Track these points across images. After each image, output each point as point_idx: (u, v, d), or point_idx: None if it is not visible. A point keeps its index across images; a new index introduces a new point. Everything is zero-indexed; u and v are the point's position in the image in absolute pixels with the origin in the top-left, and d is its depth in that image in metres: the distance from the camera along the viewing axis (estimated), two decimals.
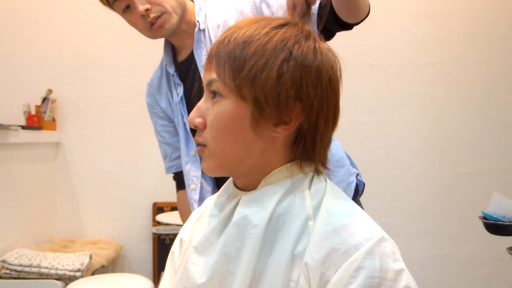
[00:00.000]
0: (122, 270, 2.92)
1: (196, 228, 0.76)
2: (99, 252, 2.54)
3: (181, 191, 1.52)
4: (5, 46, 2.88)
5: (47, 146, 2.83)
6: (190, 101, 1.35)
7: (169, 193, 2.95)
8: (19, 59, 2.88)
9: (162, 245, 2.87)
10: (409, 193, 2.92)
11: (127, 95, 2.88)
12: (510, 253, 1.64)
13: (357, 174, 1.36)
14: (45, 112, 2.77)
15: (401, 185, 2.92)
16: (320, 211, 0.66)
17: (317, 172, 0.73)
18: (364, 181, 1.39)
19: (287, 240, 0.65)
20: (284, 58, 0.66)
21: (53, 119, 2.83)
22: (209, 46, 1.28)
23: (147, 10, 1.21)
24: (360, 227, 0.63)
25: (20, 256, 2.18)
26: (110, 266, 2.76)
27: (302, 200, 0.68)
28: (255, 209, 0.67)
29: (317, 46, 0.69)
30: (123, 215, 2.91)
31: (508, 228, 1.60)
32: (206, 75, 0.71)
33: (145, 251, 2.92)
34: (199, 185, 1.38)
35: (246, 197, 0.70)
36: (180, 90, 1.35)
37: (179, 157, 1.47)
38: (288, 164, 0.70)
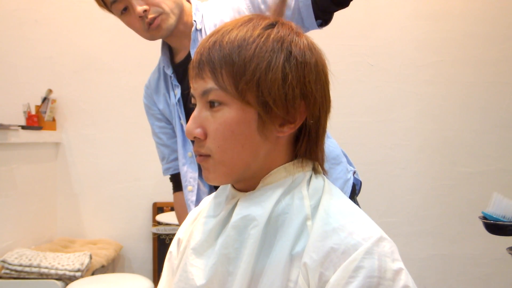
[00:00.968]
0: (122, 270, 2.92)
1: (193, 229, 0.76)
2: (99, 252, 2.54)
3: (178, 193, 1.52)
4: (5, 46, 2.88)
5: (47, 146, 2.83)
6: (188, 102, 1.35)
7: (169, 193, 2.93)
8: (19, 59, 2.88)
9: (162, 245, 2.87)
10: (409, 193, 2.92)
11: (127, 95, 2.88)
12: (510, 253, 1.64)
13: (354, 172, 1.36)
14: (45, 112, 2.77)
15: (401, 185, 2.92)
16: (318, 211, 0.66)
17: (315, 171, 0.73)
18: (360, 179, 1.40)
19: (286, 240, 0.65)
20: (285, 58, 0.65)
21: (53, 119, 2.83)
22: None
23: (145, 11, 1.21)
24: (358, 226, 0.63)
25: (20, 256, 2.18)
26: (110, 266, 2.76)
27: (301, 200, 0.68)
28: (254, 210, 0.67)
29: (309, 41, 0.70)
30: (123, 215, 2.91)
31: (508, 228, 1.60)
32: (199, 83, 0.68)
33: (145, 251, 2.92)
34: (196, 187, 1.38)
35: (244, 198, 0.70)
36: (178, 91, 1.35)
37: (176, 158, 1.47)
38: (286, 164, 0.70)
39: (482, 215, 1.66)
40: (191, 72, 0.70)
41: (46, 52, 2.89)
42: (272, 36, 0.66)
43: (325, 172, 0.74)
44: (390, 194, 2.92)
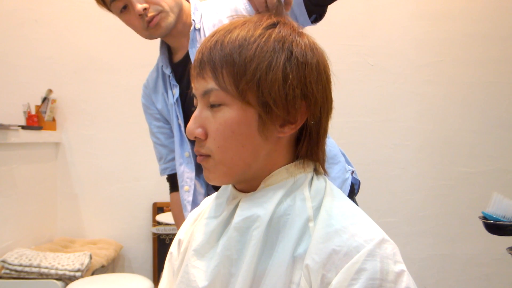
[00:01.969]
0: (122, 270, 2.92)
1: (195, 230, 0.75)
2: (99, 252, 2.54)
3: (174, 193, 1.52)
4: (5, 46, 2.88)
5: (47, 146, 2.83)
6: (186, 102, 1.34)
7: (169, 193, 2.95)
8: (19, 59, 2.88)
9: (162, 245, 2.87)
10: (409, 193, 2.92)
11: (127, 95, 2.88)
12: (510, 253, 1.64)
13: (352, 172, 1.35)
14: (45, 112, 2.77)
15: (401, 185, 2.92)
16: (320, 213, 0.66)
17: (316, 172, 0.73)
18: (359, 179, 1.39)
19: (288, 242, 0.65)
20: (286, 58, 0.65)
21: (53, 119, 2.83)
22: None
23: (144, 9, 1.21)
24: (360, 228, 0.63)
25: (20, 256, 2.18)
26: (110, 266, 2.76)
27: (302, 201, 0.67)
28: (256, 211, 0.67)
29: (311, 41, 0.69)
30: (123, 215, 2.91)
31: (508, 228, 1.60)
32: (200, 83, 0.68)
33: (145, 251, 2.92)
34: (192, 187, 1.37)
35: (246, 198, 0.70)
36: (176, 91, 1.35)
37: (174, 159, 1.46)
38: (288, 165, 0.70)
39: (482, 215, 1.66)
40: (193, 71, 0.70)
41: (46, 52, 2.89)
42: (273, 36, 0.66)
43: (326, 173, 0.74)
44: (390, 194, 2.92)
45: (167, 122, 1.46)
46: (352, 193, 1.34)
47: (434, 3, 2.93)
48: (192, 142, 1.31)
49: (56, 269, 2.17)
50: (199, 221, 0.77)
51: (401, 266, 0.61)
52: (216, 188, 0.80)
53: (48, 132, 2.77)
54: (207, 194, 1.40)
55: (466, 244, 2.90)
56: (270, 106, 0.65)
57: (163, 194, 2.89)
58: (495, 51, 2.92)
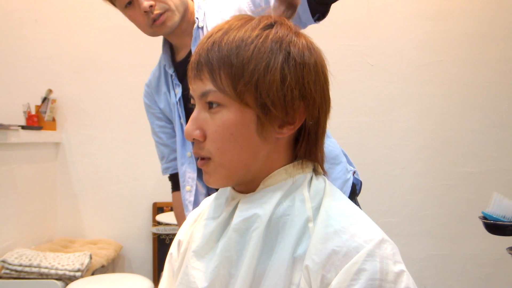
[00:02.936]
0: (122, 270, 2.92)
1: (194, 231, 0.75)
2: (99, 252, 2.54)
3: (176, 192, 1.51)
4: (5, 46, 2.88)
5: (47, 146, 2.83)
6: (188, 102, 1.34)
7: (169, 193, 2.92)
8: (19, 59, 2.88)
9: (162, 245, 2.87)
10: (409, 193, 2.92)
11: (127, 95, 2.88)
12: (510, 253, 1.64)
13: (354, 172, 1.35)
14: (45, 112, 2.77)
15: (401, 185, 2.92)
16: (320, 213, 0.66)
17: (315, 172, 0.72)
18: (361, 179, 1.39)
19: (288, 243, 0.65)
20: (283, 59, 0.65)
21: (53, 119, 2.83)
22: None
23: (151, 6, 1.21)
24: (360, 229, 0.63)
25: (20, 256, 2.18)
26: (110, 266, 2.76)
27: (302, 202, 0.67)
28: (255, 212, 0.67)
29: (308, 42, 0.69)
30: (123, 215, 2.91)
31: (508, 228, 1.60)
32: (198, 85, 0.68)
33: (145, 251, 2.92)
34: (194, 187, 1.37)
35: (245, 199, 0.70)
36: (179, 90, 1.34)
37: (176, 158, 1.46)
38: (287, 166, 0.70)
39: (482, 215, 1.66)
40: (190, 73, 0.69)
41: (46, 52, 2.89)
42: (270, 36, 0.66)
43: (325, 173, 0.74)
44: (390, 194, 2.92)
45: (170, 121, 1.45)
46: (354, 194, 1.33)
47: (434, 3, 2.93)
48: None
49: (56, 269, 2.17)
50: (198, 222, 0.77)
51: (401, 266, 0.61)
52: (215, 188, 0.80)
53: (48, 132, 2.77)
54: (208, 194, 1.40)
55: (466, 244, 2.90)
56: (269, 107, 0.65)
57: (163, 194, 2.89)
58: (495, 51, 2.92)
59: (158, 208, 2.90)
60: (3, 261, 2.14)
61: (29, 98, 2.80)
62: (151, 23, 1.23)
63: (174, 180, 1.52)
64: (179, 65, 1.36)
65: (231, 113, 0.66)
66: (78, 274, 2.19)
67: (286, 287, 0.63)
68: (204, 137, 0.68)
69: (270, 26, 0.67)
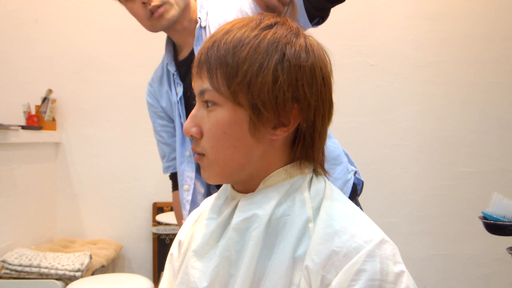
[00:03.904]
0: (122, 270, 2.92)
1: (195, 231, 0.75)
2: (99, 252, 2.54)
3: (176, 192, 1.52)
4: (5, 46, 2.88)
5: (47, 146, 2.83)
6: (189, 101, 1.34)
7: (169, 193, 2.91)
8: (19, 59, 2.88)
9: (162, 245, 2.87)
10: (409, 193, 2.92)
11: (127, 95, 2.88)
12: (510, 253, 1.65)
13: (355, 172, 1.35)
14: (45, 112, 2.77)
15: (401, 185, 2.92)
16: (320, 213, 0.66)
17: (316, 173, 0.72)
18: (362, 179, 1.39)
19: (288, 243, 0.64)
20: (277, 60, 0.64)
21: (53, 119, 2.83)
22: None
23: None
24: (360, 229, 0.63)
25: (20, 256, 2.18)
26: (110, 266, 2.76)
27: (302, 202, 0.67)
28: (255, 212, 0.67)
29: (308, 43, 0.68)
30: (123, 215, 2.91)
31: (508, 228, 1.60)
32: (198, 83, 0.69)
33: (145, 251, 2.92)
34: (192, 186, 1.37)
35: (245, 199, 0.70)
36: (180, 89, 1.35)
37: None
38: (287, 166, 0.70)
39: (482, 215, 1.66)
40: (193, 71, 0.71)
41: (46, 52, 2.89)
42: (268, 37, 0.65)
43: (326, 173, 0.74)
44: (390, 194, 2.92)
45: (171, 120, 1.46)
46: (355, 194, 1.33)
47: (434, 3, 2.93)
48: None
49: (56, 269, 2.17)
50: (199, 222, 0.77)
51: (401, 266, 0.61)
52: (220, 187, 0.80)
53: (48, 132, 2.77)
54: (208, 193, 1.40)
55: (466, 244, 2.90)
56: (259, 108, 0.65)
57: (163, 194, 2.89)
58: (495, 51, 2.93)
59: (158, 208, 2.90)
60: (3, 261, 2.14)
61: (29, 98, 2.80)
62: (149, 15, 1.24)
63: (175, 179, 1.52)
64: (181, 64, 1.36)
65: (225, 112, 0.66)
66: (78, 274, 2.19)
67: (286, 287, 0.63)
68: (201, 134, 0.69)
69: (270, 26, 0.67)
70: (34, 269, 2.14)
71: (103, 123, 2.91)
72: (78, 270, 2.19)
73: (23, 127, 2.46)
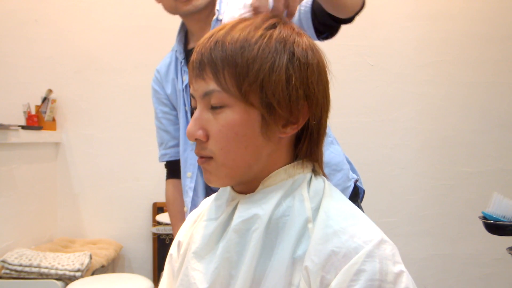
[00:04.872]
0: (122, 270, 2.92)
1: (194, 232, 0.75)
2: (99, 252, 2.54)
3: (171, 180, 1.52)
4: (5, 46, 2.88)
5: (47, 146, 2.83)
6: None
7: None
8: (19, 59, 2.88)
9: (162, 245, 2.87)
10: (409, 193, 2.92)
11: (127, 95, 2.88)
12: (510, 253, 1.64)
13: (357, 180, 1.33)
14: (45, 112, 2.77)
15: (401, 185, 2.92)
16: (319, 213, 0.66)
17: (315, 173, 0.72)
18: (364, 187, 1.36)
19: (287, 243, 0.64)
20: (288, 59, 0.65)
21: (53, 119, 2.83)
22: None
23: None
24: (359, 229, 0.63)
25: (20, 256, 2.18)
26: (110, 266, 2.76)
27: (301, 202, 0.67)
28: (255, 213, 0.67)
29: (310, 42, 0.69)
30: (123, 215, 2.91)
31: (508, 228, 1.60)
32: (200, 84, 0.67)
33: (145, 251, 2.92)
34: (195, 173, 1.37)
35: (244, 200, 0.70)
36: (186, 77, 1.35)
37: (174, 146, 1.47)
38: (286, 166, 0.70)
39: (482, 215, 1.66)
40: (191, 72, 0.69)
41: (46, 52, 2.89)
42: (274, 36, 0.65)
43: (324, 174, 0.74)
44: (390, 194, 2.92)
45: (174, 108, 1.46)
46: (356, 197, 1.32)
47: (434, 3, 2.93)
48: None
49: (56, 269, 2.17)
50: (198, 223, 0.77)
51: (400, 266, 0.61)
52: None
53: (48, 132, 2.77)
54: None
55: (466, 244, 2.90)
56: (274, 107, 0.65)
57: (163, 194, 2.86)
58: (495, 51, 2.92)
59: (158, 208, 2.90)
60: (3, 261, 2.14)
61: (29, 98, 2.80)
62: None
63: (170, 168, 1.52)
64: (190, 52, 1.36)
65: (235, 113, 0.65)
66: (78, 274, 2.19)
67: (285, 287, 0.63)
68: (207, 137, 0.68)
69: (273, 26, 0.67)
70: (34, 269, 2.14)
71: (103, 123, 2.91)
72: (78, 270, 2.19)
73: (23, 127, 2.46)
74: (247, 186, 0.71)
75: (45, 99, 2.77)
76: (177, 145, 1.47)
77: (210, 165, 0.69)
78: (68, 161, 2.91)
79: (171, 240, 2.78)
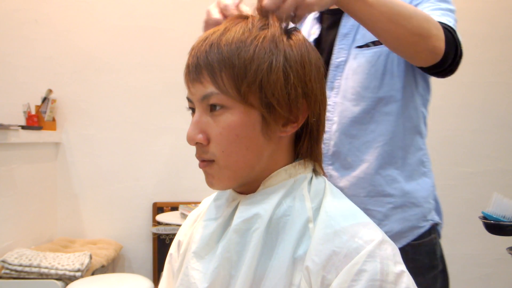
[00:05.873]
0: (122, 270, 2.92)
1: (194, 232, 0.75)
2: (99, 252, 2.54)
3: None
4: (5, 46, 2.88)
5: (47, 146, 2.83)
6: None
7: (169, 193, 2.95)
8: (19, 59, 2.88)
9: (162, 245, 2.87)
10: None
11: (127, 95, 2.88)
12: (510, 253, 1.64)
13: (436, 224, 1.16)
14: (45, 112, 2.77)
15: None
16: (320, 213, 0.66)
17: (315, 172, 0.73)
18: (441, 233, 1.20)
19: (288, 243, 0.64)
20: (284, 58, 0.65)
21: (53, 119, 2.83)
22: None
23: None
24: (360, 229, 0.63)
25: (20, 256, 2.18)
26: (110, 266, 2.76)
27: (302, 202, 0.67)
28: (255, 213, 0.66)
29: (304, 39, 0.69)
30: (123, 215, 2.91)
31: (508, 228, 1.59)
32: (198, 88, 0.66)
33: (145, 251, 2.92)
34: None
35: (245, 200, 0.70)
36: None
37: None
38: (287, 166, 0.70)
39: (482, 215, 1.66)
40: (187, 76, 0.68)
41: (46, 52, 2.89)
42: (268, 37, 0.66)
43: (324, 174, 0.74)
44: None
45: None
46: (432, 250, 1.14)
47: None
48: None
49: (56, 269, 2.17)
50: (198, 223, 0.77)
51: (401, 266, 0.61)
52: None
53: (48, 132, 2.77)
54: None
55: (466, 244, 2.90)
56: (274, 106, 0.65)
57: (163, 194, 2.89)
58: (494, 51, 2.92)
59: (158, 208, 2.89)
60: (3, 261, 2.14)
61: (29, 98, 2.80)
62: None
63: None
64: None
65: (235, 114, 0.65)
66: (78, 274, 2.19)
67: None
68: (208, 140, 0.67)
69: (266, 26, 0.67)
70: (34, 269, 2.14)
71: (103, 123, 2.91)
72: (78, 270, 2.19)
73: (23, 127, 2.46)
74: (248, 187, 0.71)
75: (45, 99, 2.77)
76: None
77: (212, 168, 0.68)
78: (68, 161, 2.91)
79: (171, 240, 2.78)
